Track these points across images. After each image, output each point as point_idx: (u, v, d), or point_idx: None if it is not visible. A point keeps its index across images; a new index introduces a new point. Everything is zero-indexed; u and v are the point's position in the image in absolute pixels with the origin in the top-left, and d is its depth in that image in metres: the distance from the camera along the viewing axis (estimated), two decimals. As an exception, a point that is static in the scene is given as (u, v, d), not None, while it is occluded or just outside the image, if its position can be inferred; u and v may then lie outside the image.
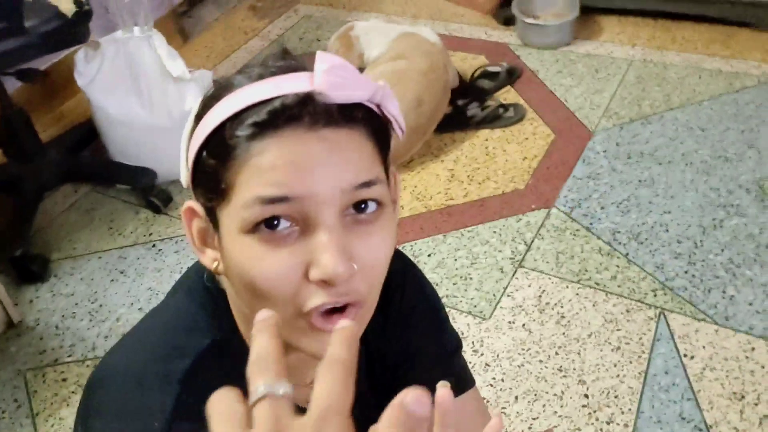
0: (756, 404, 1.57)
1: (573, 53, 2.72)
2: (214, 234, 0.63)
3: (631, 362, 1.68)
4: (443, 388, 0.49)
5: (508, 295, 1.86)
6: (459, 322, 1.81)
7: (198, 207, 0.64)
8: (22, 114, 2.06)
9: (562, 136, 2.34)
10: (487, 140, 2.37)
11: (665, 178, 2.14)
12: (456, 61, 2.67)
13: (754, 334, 1.71)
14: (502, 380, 1.67)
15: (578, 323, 1.78)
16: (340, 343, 0.40)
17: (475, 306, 1.84)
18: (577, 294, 1.85)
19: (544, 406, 1.61)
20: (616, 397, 1.61)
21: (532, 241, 2.00)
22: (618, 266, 1.90)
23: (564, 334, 1.76)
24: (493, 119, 2.43)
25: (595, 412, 1.59)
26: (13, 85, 2.12)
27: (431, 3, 3.12)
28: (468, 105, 2.47)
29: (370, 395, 0.80)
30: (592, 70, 2.61)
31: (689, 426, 1.54)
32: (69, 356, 1.84)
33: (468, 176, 2.23)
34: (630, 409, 1.59)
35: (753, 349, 1.68)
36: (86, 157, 2.35)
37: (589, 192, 2.13)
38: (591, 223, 2.03)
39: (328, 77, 0.58)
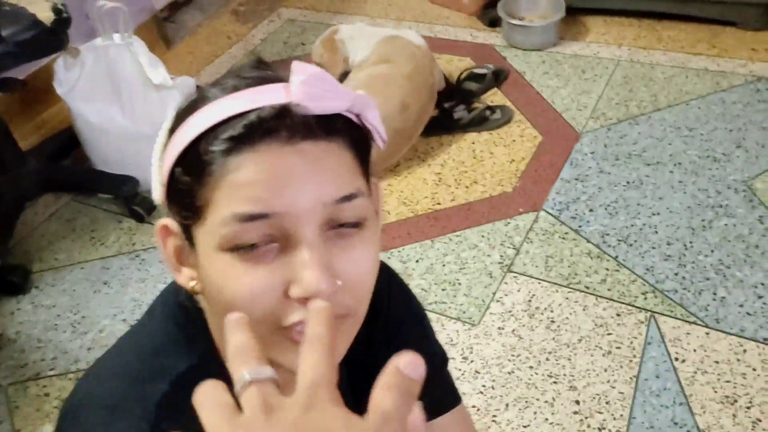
0: (748, 408, 1.55)
1: (559, 54, 2.70)
2: (191, 252, 0.61)
3: (622, 367, 1.66)
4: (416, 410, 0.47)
5: (498, 301, 1.84)
6: (448, 328, 1.78)
7: (173, 224, 0.62)
8: (1, 123, 2.03)
9: (550, 137, 2.33)
10: (474, 143, 2.35)
11: (653, 180, 2.12)
12: (442, 63, 2.65)
13: (745, 336, 1.69)
14: (492, 387, 1.65)
15: (568, 328, 1.76)
16: (318, 322, 0.42)
17: (464, 312, 1.82)
18: (567, 298, 1.83)
19: (535, 413, 1.59)
20: (607, 403, 1.59)
21: (521, 245, 1.98)
22: (607, 269, 1.88)
23: (554, 339, 1.74)
24: (480, 122, 2.41)
25: (586, 418, 1.57)
26: (-9, 94, 2.09)
27: (416, 5, 3.10)
28: (454, 108, 2.45)
29: (355, 413, 0.77)
30: (578, 71, 2.60)
31: (682, 431, 1.52)
32: (51, 369, 1.80)
33: (455, 180, 2.21)
34: (622, 415, 1.57)
35: (744, 351, 1.66)
36: (67, 166, 2.31)
37: (577, 194, 2.11)
38: (580, 226, 2.01)
39: (305, 88, 0.55)
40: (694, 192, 2.07)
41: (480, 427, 1.58)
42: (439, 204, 2.14)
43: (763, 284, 1.80)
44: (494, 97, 2.53)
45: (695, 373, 1.63)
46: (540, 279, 1.88)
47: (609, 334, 1.73)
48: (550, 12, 2.74)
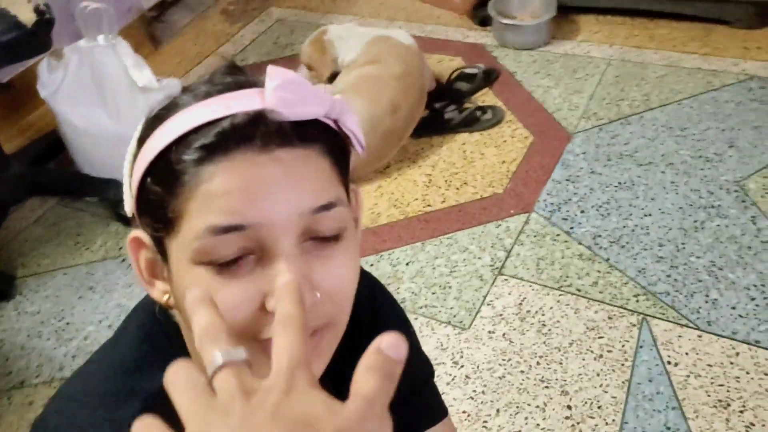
0: (741, 412, 1.53)
1: (551, 53, 2.68)
2: (163, 265, 0.59)
3: (614, 371, 1.64)
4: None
5: (488, 304, 1.82)
6: (438, 333, 1.76)
7: (145, 237, 0.60)
8: (-16, 126, 2.00)
9: (541, 138, 2.30)
10: (464, 144, 2.33)
11: (645, 180, 2.10)
12: (432, 63, 2.63)
13: (737, 339, 1.67)
14: (483, 392, 1.63)
15: (560, 331, 1.74)
16: (288, 300, 0.42)
17: (455, 316, 1.80)
18: (558, 301, 1.81)
19: (526, 418, 1.57)
20: (599, 407, 1.57)
21: (512, 248, 1.96)
22: (599, 271, 1.86)
23: (545, 343, 1.72)
24: (471, 122, 2.39)
25: (578, 423, 1.55)
26: (-26, 97, 2.06)
27: (407, 4, 3.08)
28: (445, 108, 2.43)
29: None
30: (570, 71, 2.58)
31: (674, 436, 1.51)
32: (36, 377, 1.78)
33: (446, 181, 2.19)
34: (614, 420, 1.55)
35: (737, 354, 1.64)
36: (52, 170, 2.28)
37: (568, 195, 2.09)
38: (571, 228, 1.99)
39: (280, 93, 0.53)
40: (686, 192, 2.05)
41: (470, 433, 1.56)
42: (429, 206, 2.12)
43: (755, 286, 1.78)
44: (485, 97, 2.51)
45: (688, 376, 1.61)
46: (531, 282, 1.86)
47: (600, 337, 1.71)
48: (541, 11, 2.72)
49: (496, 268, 1.91)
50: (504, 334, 1.75)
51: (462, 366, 1.69)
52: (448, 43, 2.81)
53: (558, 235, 1.98)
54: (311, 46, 2.43)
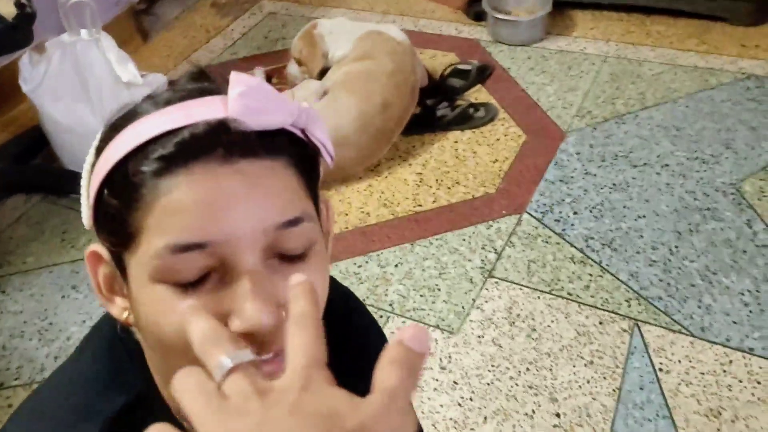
0: (733, 421, 1.50)
1: (545, 50, 2.64)
2: (123, 281, 0.56)
3: (604, 378, 1.61)
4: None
5: (478, 308, 1.79)
6: (426, 337, 1.73)
7: (103, 251, 0.57)
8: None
9: (534, 137, 2.27)
10: (456, 142, 2.29)
11: (640, 182, 2.07)
12: (425, 58, 2.59)
13: (730, 346, 1.64)
14: (471, 399, 1.60)
15: (550, 336, 1.71)
16: (303, 297, 0.41)
17: (443, 320, 1.77)
18: (549, 305, 1.77)
19: (514, 426, 1.54)
20: (588, 415, 1.54)
21: (503, 249, 1.92)
22: (591, 275, 1.83)
23: (535, 348, 1.69)
24: (464, 120, 2.35)
25: (567, 432, 1.52)
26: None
27: (400, -2, 3.03)
28: (437, 105, 2.39)
29: None
30: (564, 68, 2.54)
31: (665, 446, 1.48)
32: (16, 379, 1.74)
33: (437, 181, 2.15)
34: (603, 429, 1.52)
35: (730, 362, 1.61)
36: (36, 166, 2.24)
37: (561, 196, 2.06)
38: (563, 230, 1.96)
39: (244, 101, 0.50)
40: (681, 194, 2.02)
41: (457, 441, 1.53)
42: (420, 205, 2.08)
43: (749, 291, 1.75)
44: (478, 94, 2.47)
45: (679, 384, 1.58)
46: (522, 285, 1.83)
47: (591, 343, 1.68)
48: (537, 6, 2.68)
49: (487, 270, 1.87)
50: (493, 339, 1.72)
51: (450, 371, 1.66)
52: (442, 38, 2.77)
53: (550, 237, 1.94)
54: (301, 41, 2.39)
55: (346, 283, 1.84)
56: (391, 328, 1.75)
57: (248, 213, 0.50)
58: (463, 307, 1.79)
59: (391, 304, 1.81)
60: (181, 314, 0.50)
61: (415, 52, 2.37)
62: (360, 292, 1.84)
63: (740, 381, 1.58)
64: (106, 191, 0.53)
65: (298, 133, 0.54)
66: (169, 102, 0.53)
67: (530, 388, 1.61)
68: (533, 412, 1.56)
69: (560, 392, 1.59)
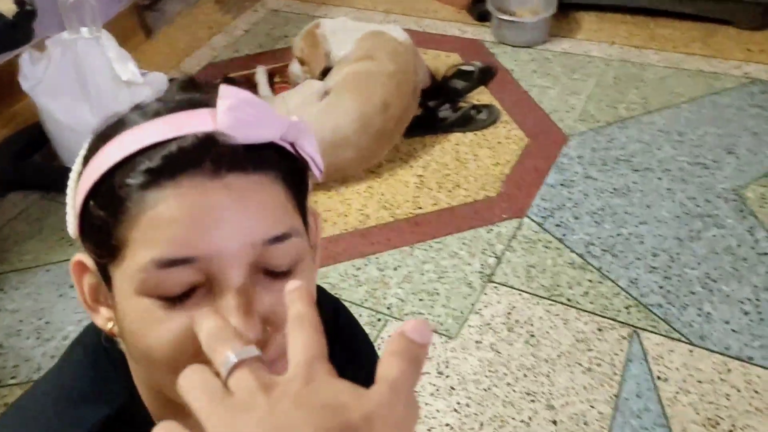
0: (731, 431, 1.50)
1: (549, 52, 2.63)
2: (108, 292, 0.55)
3: (602, 385, 1.60)
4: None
5: (477, 312, 1.78)
6: (424, 341, 1.72)
7: (88, 261, 0.56)
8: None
9: (536, 140, 2.26)
10: (458, 144, 2.28)
11: (641, 187, 2.06)
12: (428, 59, 2.58)
13: (729, 355, 1.63)
14: (468, 405, 1.59)
15: (548, 342, 1.70)
16: (299, 300, 0.41)
17: (442, 324, 1.76)
18: (548, 311, 1.77)
19: (510, 433, 1.54)
20: (585, 423, 1.54)
21: (503, 254, 1.91)
22: (591, 281, 1.82)
23: (533, 354, 1.68)
24: (466, 122, 2.34)
25: (563, 440, 1.51)
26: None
27: (404, -3, 3.02)
28: (439, 106, 2.38)
29: None
30: (568, 70, 2.52)
31: (661, 456, 1.47)
32: (12, 378, 1.74)
33: (437, 183, 2.14)
34: (600, 437, 1.51)
35: (729, 370, 1.60)
36: (36, 163, 2.23)
37: (562, 201, 2.04)
38: (564, 235, 1.95)
39: (233, 114, 0.50)
40: (682, 200, 2.00)
41: (453, 447, 1.53)
42: (420, 208, 2.07)
43: (749, 300, 1.74)
44: (481, 95, 2.45)
45: (677, 393, 1.57)
46: (521, 290, 1.82)
47: (590, 350, 1.67)
48: (541, 7, 2.66)
49: (486, 275, 1.87)
50: (491, 345, 1.71)
51: (447, 377, 1.65)
52: (445, 39, 2.75)
53: (550, 241, 1.93)
54: (304, 40, 2.38)
55: (344, 285, 1.84)
56: (388, 332, 1.75)
57: (236, 228, 0.49)
58: (461, 312, 1.78)
59: (389, 308, 1.81)
60: (167, 328, 0.50)
61: (418, 52, 2.36)
62: (358, 294, 1.84)
63: (738, 390, 1.57)
64: (92, 202, 0.52)
65: (288, 146, 0.54)
66: (157, 113, 0.52)
67: (527, 394, 1.60)
68: (530, 419, 1.56)
69: (557, 399, 1.59)
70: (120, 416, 0.61)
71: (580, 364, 1.65)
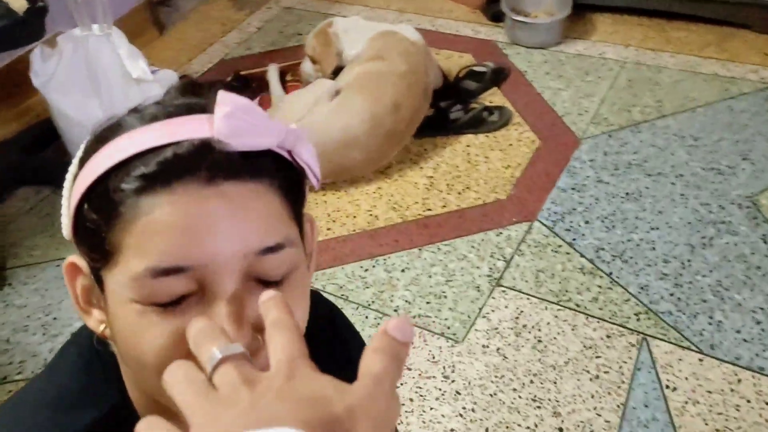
0: (740, 443, 1.48)
1: (563, 53, 2.60)
2: (100, 295, 0.55)
3: (609, 393, 1.59)
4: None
5: (484, 317, 1.77)
6: (431, 344, 1.71)
7: (82, 263, 0.56)
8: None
9: (548, 143, 2.24)
10: (469, 146, 2.26)
11: (653, 192, 2.03)
12: (441, 59, 2.56)
13: (740, 365, 1.61)
14: (473, 410, 1.58)
15: (556, 348, 1.68)
16: (275, 307, 0.42)
17: (449, 328, 1.75)
18: (556, 316, 1.75)
19: (515, 440, 1.52)
20: (592, 431, 1.52)
21: (512, 258, 1.90)
22: (600, 287, 1.80)
23: (540, 360, 1.66)
24: (477, 123, 2.32)
25: (569, 448, 1.50)
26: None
27: (418, -4, 3.00)
28: (451, 107, 2.37)
29: None
30: (581, 72, 2.50)
31: (668, 466, 1.45)
32: (18, 374, 1.74)
33: (447, 185, 2.13)
34: (606, 446, 1.50)
35: (739, 381, 1.58)
36: (47, 158, 2.23)
37: (573, 205, 2.02)
38: (574, 239, 1.93)
39: (230, 121, 0.49)
40: (695, 206, 1.98)
41: (457, 453, 1.51)
42: (429, 210, 2.06)
43: (762, 309, 1.71)
44: (493, 97, 2.43)
45: (686, 402, 1.55)
46: (529, 295, 1.80)
47: (598, 357, 1.66)
48: (556, 9, 2.64)
49: (494, 278, 1.85)
50: (498, 349, 1.69)
51: (453, 381, 1.64)
52: (458, 39, 2.73)
53: (560, 246, 1.91)
54: (316, 39, 2.37)
55: (351, 287, 1.84)
56: (395, 335, 1.73)
57: (229, 237, 0.49)
58: (469, 316, 1.77)
59: (396, 310, 1.79)
60: (158, 333, 0.50)
61: (430, 52, 2.34)
62: (365, 296, 1.83)
63: (748, 401, 1.54)
64: (86, 205, 0.52)
65: (285, 154, 0.54)
66: (155, 118, 0.52)
67: (533, 400, 1.59)
68: (536, 426, 1.54)
69: (564, 406, 1.57)
70: (110, 419, 0.62)
71: (587, 371, 1.63)
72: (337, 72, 2.31)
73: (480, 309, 1.78)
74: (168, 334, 0.49)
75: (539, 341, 1.70)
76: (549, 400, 1.59)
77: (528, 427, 1.54)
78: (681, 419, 1.52)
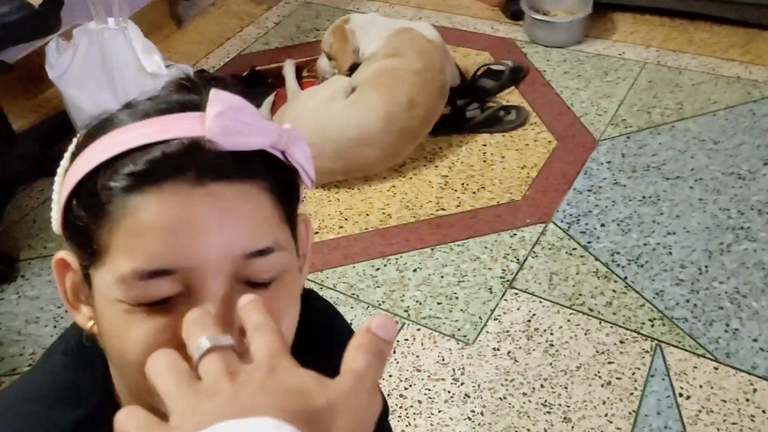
0: (754, 454, 1.45)
1: (582, 53, 2.57)
2: (89, 292, 0.55)
3: (621, 400, 1.56)
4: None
5: (495, 319, 1.75)
6: (440, 346, 1.69)
7: (71, 259, 0.56)
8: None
9: (565, 143, 2.21)
10: (485, 145, 2.24)
11: (671, 195, 2.00)
12: (458, 57, 2.54)
13: (756, 374, 1.58)
14: (482, 414, 1.56)
15: (567, 353, 1.66)
16: (255, 311, 0.42)
17: (459, 329, 1.73)
18: (569, 320, 1.73)
19: (524, 445, 1.50)
20: (602, 439, 1.50)
21: (525, 260, 1.87)
22: (614, 291, 1.77)
23: (551, 364, 1.64)
24: (494, 122, 2.30)
25: (578, 455, 1.48)
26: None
27: (437, -7, 2.98)
28: (468, 106, 2.34)
29: None
30: (601, 72, 2.47)
31: (679, 476, 1.43)
32: (29, 365, 1.75)
33: (462, 184, 2.11)
34: (617, 454, 1.47)
35: (755, 390, 1.55)
36: (63, 151, 2.24)
37: (589, 207, 2.00)
38: (589, 242, 1.90)
39: (222, 121, 0.49)
40: (714, 211, 1.94)
41: (465, 457, 1.50)
42: (443, 209, 2.04)
43: (780, 318, 1.68)
44: (510, 96, 2.41)
45: (699, 411, 1.52)
46: (542, 297, 1.78)
47: (610, 362, 1.63)
48: (576, 7, 2.60)
49: (507, 280, 1.83)
50: (509, 352, 1.67)
51: (462, 383, 1.62)
52: (476, 36, 2.71)
53: (574, 249, 1.89)
54: (333, 35, 2.36)
55: (362, 286, 1.82)
56: (405, 335, 1.72)
57: (218, 240, 0.48)
58: (480, 318, 1.75)
59: (406, 310, 1.78)
60: (143, 331, 0.49)
61: (447, 50, 2.32)
62: (376, 296, 1.81)
63: (764, 411, 1.51)
64: (74, 201, 0.52)
65: (278, 155, 0.53)
66: (147, 114, 0.51)
67: (543, 405, 1.57)
68: (545, 431, 1.52)
69: (574, 412, 1.55)
70: (96, 417, 0.61)
71: (599, 377, 1.61)
72: (353, 69, 2.30)
73: (492, 311, 1.76)
74: (153, 333, 0.49)
75: (551, 345, 1.68)
76: (559, 405, 1.57)
77: (537, 433, 1.52)
78: (694, 428, 1.50)
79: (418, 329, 1.73)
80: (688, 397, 1.55)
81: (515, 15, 2.73)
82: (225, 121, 0.49)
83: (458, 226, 1.98)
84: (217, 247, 0.48)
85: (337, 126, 2.02)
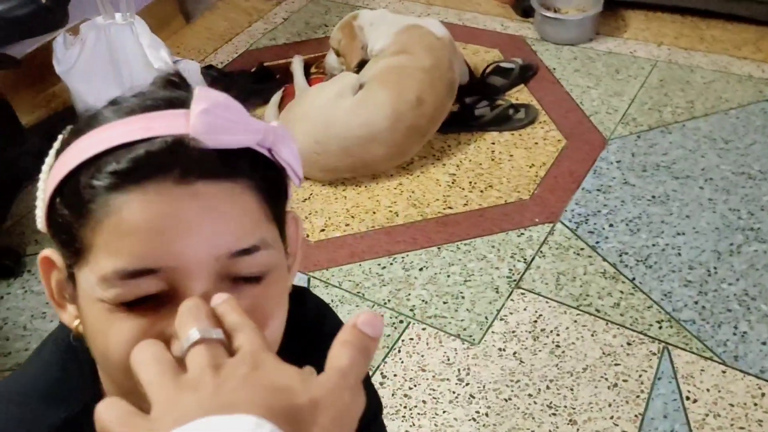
0: (761, 459, 1.43)
1: (593, 50, 2.54)
2: (74, 291, 0.54)
3: (627, 402, 1.55)
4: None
5: (501, 319, 1.73)
6: (446, 346, 1.69)
7: (56, 257, 0.55)
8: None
9: (574, 142, 2.19)
10: (493, 144, 2.22)
11: (681, 195, 1.98)
12: (467, 54, 2.52)
13: (764, 378, 1.56)
14: (486, 415, 1.55)
15: (574, 354, 1.65)
16: (232, 311, 0.42)
17: (465, 329, 1.72)
18: (575, 321, 1.71)
19: (529, 447, 1.49)
20: (608, 441, 1.49)
21: (532, 259, 1.86)
22: (622, 292, 1.76)
23: (557, 366, 1.63)
24: (502, 120, 2.28)
25: (583, 457, 1.46)
26: (-7, 69, 2.02)
27: (447, -11, 2.96)
28: (477, 103, 2.33)
29: None
30: (612, 71, 2.44)
31: (685, 481, 1.41)
32: (34, 361, 1.75)
33: (470, 183, 2.09)
34: (622, 457, 1.46)
35: (763, 395, 1.54)
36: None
37: (597, 207, 1.98)
38: (597, 242, 1.88)
39: (206, 118, 0.48)
40: (724, 212, 1.92)
41: (469, 458, 1.49)
42: (450, 208, 2.03)
43: (790, 321, 1.66)
44: (520, 94, 2.39)
45: (706, 415, 1.51)
46: (549, 298, 1.77)
47: (617, 364, 1.62)
48: (587, 4, 2.58)
49: (514, 280, 1.82)
50: (515, 353, 1.66)
51: (467, 384, 1.61)
52: (486, 33, 2.69)
53: (582, 249, 1.87)
54: (341, 31, 2.34)
55: (368, 284, 1.82)
56: (410, 335, 1.71)
57: (202, 239, 0.48)
58: (486, 318, 1.74)
59: (412, 309, 1.77)
60: (125, 330, 0.49)
61: (456, 47, 2.30)
62: (381, 294, 1.80)
63: (772, 416, 1.50)
64: (58, 199, 0.51)
65: (265, 152, 0.52)
66: (132, 112, 0.51)
67: (549, 407, 1.56)
68: (550, 433, 1.51)
69: (580, 414, 1.54)
70: (83, 416, 0.60)
71: (605, 379, 1.59)
72: (362, 65, 2.29)
73: (498, 311, 1.75)
74: (136, 333, 0.48)
75: (557, 346, 1.67)
76: (565, 407, 1.55)
77: (542, 434, 1.51)
78: (701, 432, 1.48)
79: (424, 328, 1.73)
80: (695, 401, 1.54)
81: (525, 12, 2.71)
82: (210, 118, 0.48)
83: (465, 225, 1.97)
84: (201, 247, 0.48)
85: (345, 123, 2.01)
